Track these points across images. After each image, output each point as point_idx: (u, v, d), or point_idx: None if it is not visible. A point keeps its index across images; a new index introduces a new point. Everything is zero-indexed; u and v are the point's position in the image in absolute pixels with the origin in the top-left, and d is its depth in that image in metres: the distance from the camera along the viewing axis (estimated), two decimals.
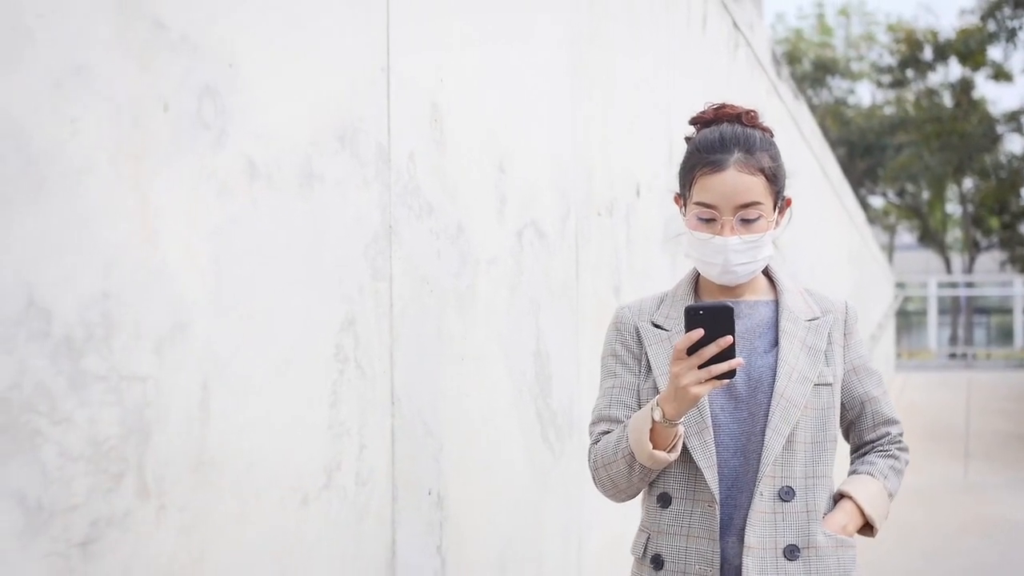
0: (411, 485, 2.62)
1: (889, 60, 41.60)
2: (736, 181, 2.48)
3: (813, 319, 2.61)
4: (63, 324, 1.63)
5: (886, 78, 41.75)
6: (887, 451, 2.70)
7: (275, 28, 2.13)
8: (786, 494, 2.49)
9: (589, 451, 2.61)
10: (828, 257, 12.21)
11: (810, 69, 41.31)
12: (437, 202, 2.75)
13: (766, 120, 2.71)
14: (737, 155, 2.50)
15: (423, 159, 2.68)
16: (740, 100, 6.53)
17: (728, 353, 2.27)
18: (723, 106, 2.64)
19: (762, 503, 2.48)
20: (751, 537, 2.46)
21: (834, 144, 35.23)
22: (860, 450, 2.74)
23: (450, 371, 2.82)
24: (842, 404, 2.66)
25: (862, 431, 2.71)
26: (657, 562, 2.54)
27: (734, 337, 2.27)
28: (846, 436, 2.75)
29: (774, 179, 2.54)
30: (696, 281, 2.66)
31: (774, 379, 2.51)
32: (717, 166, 2.49)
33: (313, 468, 2.24)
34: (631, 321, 2.64)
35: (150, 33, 1.80)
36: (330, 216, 2.30)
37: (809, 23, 44.35)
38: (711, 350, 2.26)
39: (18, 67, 1.56)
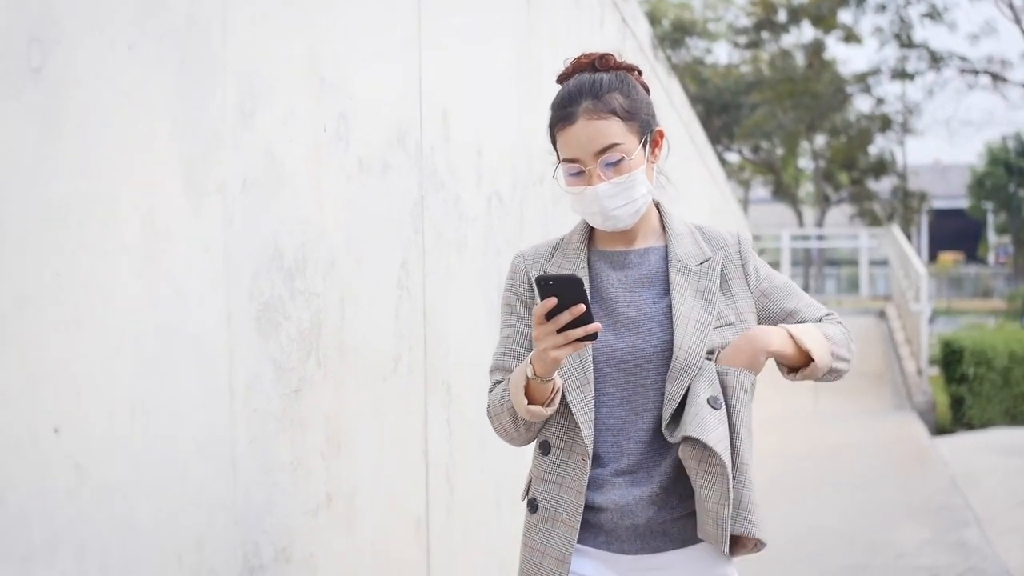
0: (433, 375, 3.81)
1: (745, 22, 43.20)
2: (587, 129, 2.50)
3: (704, 261, 2.61)
4: (287, 260, 2.79)
5: (742, 39, 43.33)
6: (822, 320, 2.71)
7: (373, 77, 3.30)
8: (715, 401, 2.50)
9: (487, 398, 2.72)
10: (694, 214, 13.60)
11: (670, 29, 42.73)
12: (446, 179, 3.93)
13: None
14: (585, 104, 2.52)
15: (439, 150, 3.86)
16: None
17: (587, 317, 2.31)
18: (579, 57, 2.65)
19: (689, 450, 2.49)
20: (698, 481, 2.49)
21: (692, 102, 36.66)
22: None
23: (453, 297, 4.00)
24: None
25: None
26: (532, 506, 2.62)
27: (587, 305, 2.31)
28: None
29: (630, 116, 2.54)
30: (590, 228, 2.69)
31: (667, 330, 2.54)
32: (568, 119, 2.53)
33: (388, 359, 3.42)
34: (523, 270, 2.70)
35: (325, 94, 2.96)
36: (394, 191, 3.47)
37: None
38: (564, 318, 2.31)
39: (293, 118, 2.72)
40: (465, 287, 4.14)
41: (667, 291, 2.58)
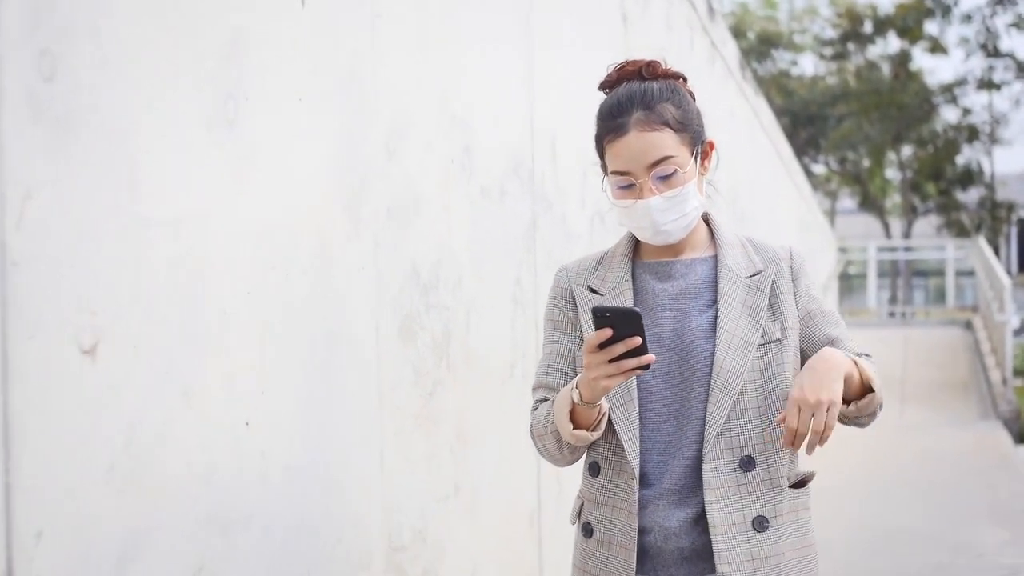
0: None
1: (831, 33, 43.11)
2: (640, 141, 2.38)
3: (754, 274, 2.51)
4: (423, 278, 3.18)
5: (828, 51, 43.23)
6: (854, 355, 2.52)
7: (492, 113, 3.68)
8: (747, 464, 2.42)
9: (530, 417, 2.61)
10: (781, 227, 13.90)
11: (755, 42, 42.76)
12: (555, 201, 4.30)
13: (689, 71, 2.71)
14: (637, 114, 2.40)
15: (548, 175, 4.23)
16: (716, 103, 8.30)
17: (642, 348, 2.23)
18: (624, 64, 2.53)
19: (719, 478, 2.42)
20: (715, 515, 2.40)
21: (778, 114, 36.67)
22: None
23: None
24: (805, 350, 2.53)
25: None
26: (587, 530, 2.53)
27: (643, 338, 2.21)
28: None
29: (683, 127, 2.43)
30: (635, 240, 2.57)
31: (711, 342, 2.44)
32: (619, 131, 2.41)
33: (505, 365, 3.80)
34: (567, 284, 2.61)
35: (454, 130, 3.35)
36: (510, 215, 3.85)
37: None
38: (619, 348, 2.22)
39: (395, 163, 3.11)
40: None
41: (713, 301, 2.47)
